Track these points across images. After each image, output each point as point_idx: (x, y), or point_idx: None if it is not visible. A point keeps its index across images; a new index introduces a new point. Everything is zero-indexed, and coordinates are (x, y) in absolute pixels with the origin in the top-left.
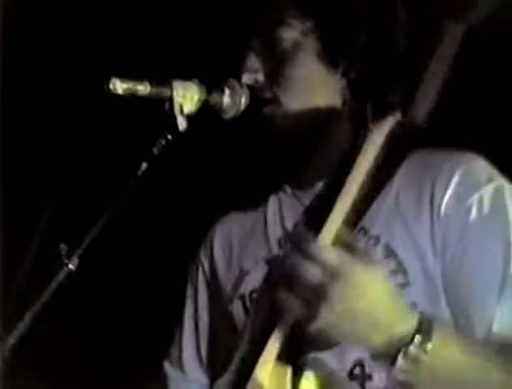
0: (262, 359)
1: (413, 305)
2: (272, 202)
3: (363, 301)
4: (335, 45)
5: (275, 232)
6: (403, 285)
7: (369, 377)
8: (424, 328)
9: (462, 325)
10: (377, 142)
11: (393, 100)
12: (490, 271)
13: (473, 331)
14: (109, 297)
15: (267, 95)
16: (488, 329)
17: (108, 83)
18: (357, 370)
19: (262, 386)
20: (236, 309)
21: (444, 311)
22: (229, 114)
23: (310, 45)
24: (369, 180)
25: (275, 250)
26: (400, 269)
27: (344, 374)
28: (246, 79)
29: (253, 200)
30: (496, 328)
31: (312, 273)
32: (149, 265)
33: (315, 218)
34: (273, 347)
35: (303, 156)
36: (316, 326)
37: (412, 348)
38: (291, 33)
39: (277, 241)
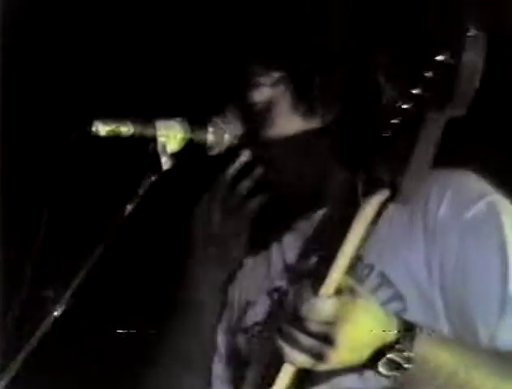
0: None
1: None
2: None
3: (364, 334)
4: (305, 95)
5: (276, 264)
6: (401, 312)
7: None
8: (406, 337)
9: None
10: (367, 216)
11: (383, 177)
12: (489, 289)
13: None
14: (97, 341)
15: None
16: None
17: (90, 126)
18: None
19: None
20: (240, 342)
21: (446, 333)
22: (214, 151)
23: (284, 99)
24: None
25: (276, 282)
26: (396, 296)
27: None
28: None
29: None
30: (499, 344)
31: (314, 324)
32: (136, 307)
33: (313, 276)
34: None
35: (301, 202)
36: (325, 367)
37: (393, 356)
38: (264, 92)
39: (277, 273)
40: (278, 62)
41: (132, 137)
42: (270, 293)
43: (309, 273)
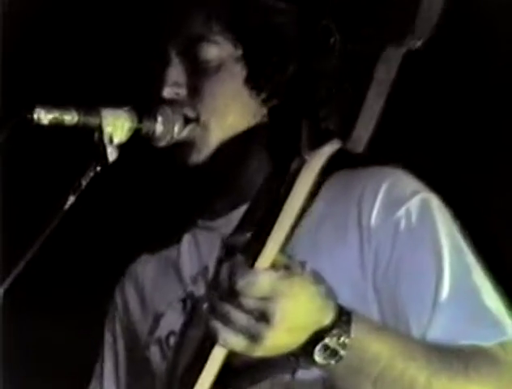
0: None
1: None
2: (187, 239)
3: (301, 312)
4: (261, 74)
5: (191, 269)
6: None
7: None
8: (342, 321)
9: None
10: (313, 171)
11: (330, 127)
12: (424, 282)
13: None
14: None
15: (189, 113)
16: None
17: (32, 113)
18: None
19: None
20: (154, 354)
21: None
22: (162, 142)
23: (236, 68)
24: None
25: (190, 288)
26: (329, 293)
27: None
28: (167, 92)
29: (167, 239)
30: (429, 339)
31: (251, 300)
32: (69, 300)
33: (247, 251)
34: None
35: (217, 187)
36: (259, 353)
37: (329, 342)
38: (216, 51)
39: (192, 278)
40: (238, 35)
41: (76, 126)
42: (183, 300)
43: (242, 249)
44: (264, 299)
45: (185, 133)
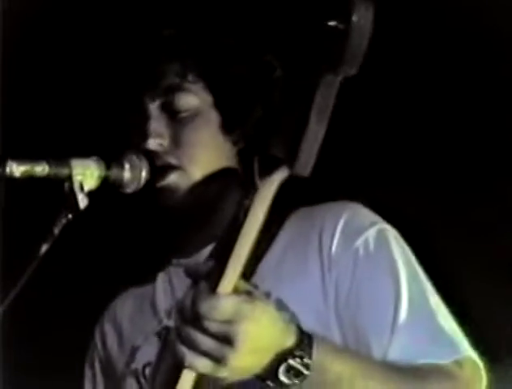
0: None
1: None
2: (161, 276)
3: (263, 335)
4: (234, 118)
5: (165, 304)
6: None
7: None
8: (304, 343)
9: None
10: (266, 197)
11: (278, 155)
12: (383, 307)
13: None
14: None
15: (172, 161)
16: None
17: (4, 167)
18: None
19: None
20: (130, 386)
21: None
22: (130, 188)
23: (212, 114)
24: (258, 236)
25: (165, 322)
26: (291, 318)
27: None
28: (152, 144)
29: (143, 278)
30: (389, 359)
31: (214, 324)
32: (48, 343)
33: (209, 278)
34: None
35: (190, 227)
36: (225, 374)
37: (292, 362)
38: (192, 100)
39: (166, 312)
40: (209, 83)
41: (48, 177)
42: (158, 334)
43: (206, 276)
44: (227, 322)
45: (169, 179)
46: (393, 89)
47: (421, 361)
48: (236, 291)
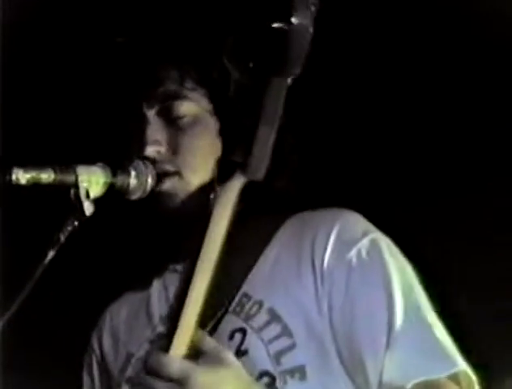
0: None
1: (301, 367)
2: (157, 281)
3: None
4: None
5: (159, 310)
6: (290, 348)
7: None
8: None
9: (358, 381)
10: (224, 204)
11: (237, 159)
12: (377, 322)
13: (368, 383)
14: None
15: (170, 168)
16: (379, 380)
17: (10, 174)
18: None
19: None
20: None
21: (337, 368)
22: (136, 195)
23: (211, 121)
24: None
25: (159, 328)
26: (285, 332)
27: None
28: (149, 151)
29: (140, 284)
30: (385, 378)
31: (162, 384)
32: (48, 344)
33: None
34: None
35: (189, 231)
36: None
37: None
38: (190, 107)
39: (160, 318)
40: (209, 92)
41: (53, 183)
42: (152, 341)
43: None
44: (177, 382)
45: (167, 186)
46: (387, 97)
47: (417, 375)
48: (192, 346)
